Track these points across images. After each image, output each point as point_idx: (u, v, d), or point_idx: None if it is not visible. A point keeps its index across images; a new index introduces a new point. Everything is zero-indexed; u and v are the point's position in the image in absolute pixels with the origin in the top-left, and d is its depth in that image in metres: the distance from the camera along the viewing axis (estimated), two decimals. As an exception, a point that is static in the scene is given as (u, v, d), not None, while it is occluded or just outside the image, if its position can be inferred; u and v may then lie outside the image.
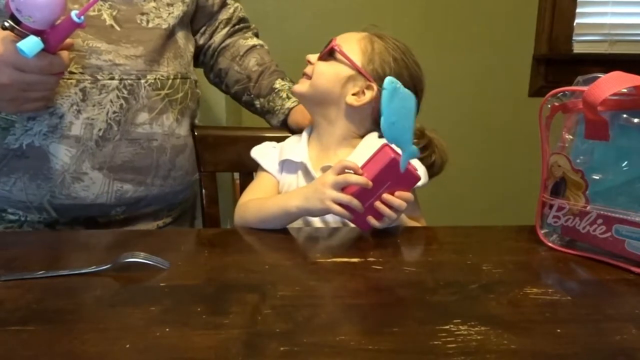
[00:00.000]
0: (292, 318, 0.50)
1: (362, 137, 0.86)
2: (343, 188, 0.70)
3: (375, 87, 0.81)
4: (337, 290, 0.59)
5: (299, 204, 0.73)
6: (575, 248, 0.68)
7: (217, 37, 1.05)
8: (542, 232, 0.72)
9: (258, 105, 1.04)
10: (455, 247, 0.72)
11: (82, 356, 0.44)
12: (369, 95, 0.82)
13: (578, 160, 0.67)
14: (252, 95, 1.04)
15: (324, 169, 0.82)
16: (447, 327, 0.49)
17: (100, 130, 0.81)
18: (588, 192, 0.66)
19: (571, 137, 0.69)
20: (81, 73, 0.80)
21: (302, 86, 0.86)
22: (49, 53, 0.69)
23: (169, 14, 0.88)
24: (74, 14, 0.66)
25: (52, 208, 0.83)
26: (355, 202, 0.70)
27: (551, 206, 0.70)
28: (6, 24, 0.65)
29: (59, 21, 0.67)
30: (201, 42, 1.04)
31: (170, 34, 0.89)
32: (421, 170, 0.85)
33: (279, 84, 1.02)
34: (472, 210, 1.84)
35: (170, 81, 0.88)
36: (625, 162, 0.63)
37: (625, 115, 0.64)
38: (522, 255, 0.69)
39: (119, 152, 0.83)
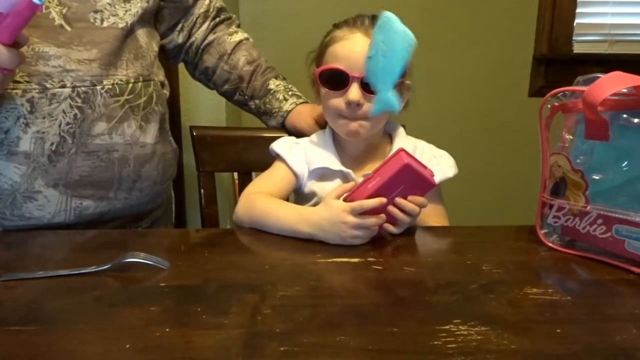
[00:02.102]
0: (292, 318, 0.50)
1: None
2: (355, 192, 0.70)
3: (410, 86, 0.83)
4: (337, 290, 0.59)
5: (313, 233, 0.71)
6: (575, 248, 0.68)
7: (199, 34, 0.99)
8: (542, 232, 0.72)
9: (253, 106, 1.02)
10: (455, 247, 0.72)
11: (82, 356, 0.44)
12: (407, 96, 0.83)
13: (578, 160, 0.67)
14: (245, 96, 1.02)
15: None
16: (447, 327, 0.49)
17: (52, 144, 0.74)
18: (588, 192, 0.66)
19: (571, 137, 0.69)
20: (27, 82, 0.71)
21: (363, 129, 0.81)
22: None
23: (126, 11, 0.80)
24: None
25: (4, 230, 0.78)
26: (375, 230, 0.70)
27: (551, 206, 0.70)
28: None
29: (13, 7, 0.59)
30: (180, 40, 0.98)
31: (128, 33, 0.81)
32: (449, 162, 0.87)
33: (273, 84, 1.00)
34: (472, 210, 1.84)
35: (130, 85, 0.81)
36: (625, 162, 0.63)
37: (625, 115, 0.64)
38: (522, 255, 0.69)
39: (76, 167, 0.76)
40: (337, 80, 0.79)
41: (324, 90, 0.81)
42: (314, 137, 0.90)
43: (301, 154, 0.87)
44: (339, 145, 0.88)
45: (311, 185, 0.86)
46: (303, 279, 0.60)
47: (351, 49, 0.79)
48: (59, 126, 0.74)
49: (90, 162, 0.78)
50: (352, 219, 0.68)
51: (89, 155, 0.77)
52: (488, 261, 0.65)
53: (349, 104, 0.79)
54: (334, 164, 0.85)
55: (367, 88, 0.78)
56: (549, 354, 0.45)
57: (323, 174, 0.85)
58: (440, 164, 0.86)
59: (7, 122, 0.72)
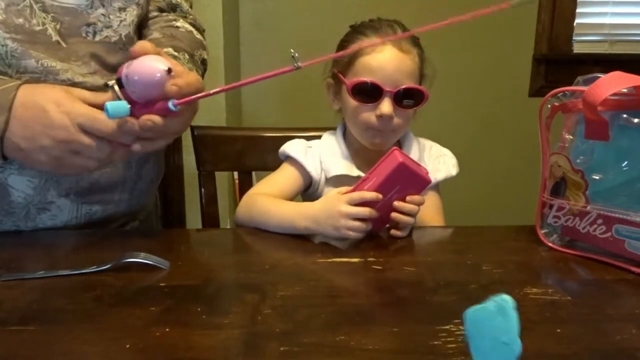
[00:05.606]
0: (292, 318, 0.50)
1: None
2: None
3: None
4: (337, 290, 0.59)
5: (309, 226, 0.71)
6: (575, 248, 0.68)
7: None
8: (542, 232, 0.72)
9: None
10: (455, 247, 0.72)
11: (82, 356, 0.44)
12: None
13: (578, 160, 0.67)
14: None
15: None
16: (447, 327, 0.49)
17: None
18: (588, 192, 0.66)
19: (571, 137, 0.69)
20: None
21: (390, 141, 0.84)
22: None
23: (121, 21, 0.79)
24: (171, 103, 0.61)
25: None
26: (369, 225, 0.70)
27: (551, 206, 0.70)
28: (110, 82, 0.62)
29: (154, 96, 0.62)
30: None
31: (123, 45, 0.79)
32: (453, 161, 0.90)
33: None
34: (472, 210, 1.84)
35: None
36: (625, 162, 0.63)
37: (625, 115, 0.64)
38: (522, 255, 0.69)
39: (84, 175, 0.77)
40: (369, 93, 0.79)
41: (354, 103, 0.81)
42: (325, 141, 0.90)
43: (317, 159, 0.87)
44: (351, 148, 0.88)
45: (329, 192, 0.86)
46: (303, 279, 0.60)
47: (385, 62, 0.79)
48: None
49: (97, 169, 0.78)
50: (346, 208, 0.68)
51: None
52: (488, 261, 0.65)
53: (380, 117, 0.79)
54: (351, 170, 0.85)
55: (398, 102, 0.79)
56: (549, 354, 0.45)
57: (340, 180, 0.85)
58: (446, 163, 0.90)
59: None
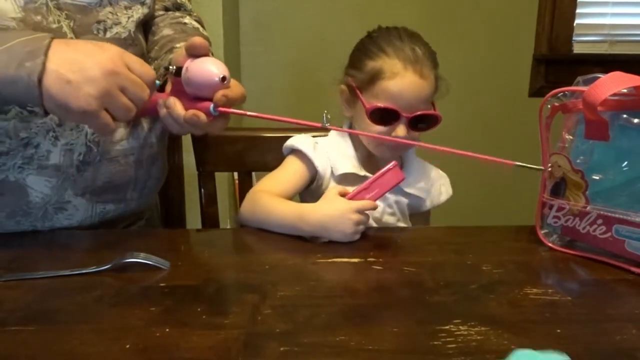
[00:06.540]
0: (292, 318, 0.50)
1: None
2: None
3: None
4: (337, 290, 0.59)
5: (314, 231, 0.72)
6: (575, 248, 0.68)
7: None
8: (542, 232, 0.72)
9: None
10: (455, 247, 0.72)
11: (82, 356, 0.44)
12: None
13: (578, 161, 0.67)
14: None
15: None
16: (447, 327, 0.49)
17: (80, 154, 0.75)
18: (588, 192, 0.66)
19: (571, 137, 0.69)
20: None
21: (396, 155, 0.87)
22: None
23: (129, 17, 0.81)
24: (212, 107, 0.63)
25: None
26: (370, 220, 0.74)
27: (551, 206, 0.70)
28: (171, 68, 0.65)
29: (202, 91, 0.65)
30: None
31: (132, 41, 0.81)
32: (448, 182, 0.95)
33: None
34: (472, 210, 1.84)
35: None
36: (625, 162, 0.63)
37: (625, 116, 0.64)
38: (522, 256, 0.69)
39: (100, 174, 0.78)
40: (386, 118, 0.81)
41: (370, 124, 0.81)
42: (332, 139, 0.90)
43: (324, 155, 0.87)
44: (357, 149, 0.89)
45: (329, 193, 0.86)
46: (303, 279, 0.60)
47: (405, 89, 0.80)
48: (86, 136, 0.75)
49: (111, 168, 0.79)
50: (357, 217, 0.71)
51: (111, 161, 0.79)
52: (488, 261, 0.65)
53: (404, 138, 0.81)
54: (359, 169, 0.86)
55: (412, 125, 0.81)
56: (549, 354, 0.45)
57: (347, 178, 0.86)
58: (445, 184, 0.95)
59: (38, 137, 0.72)
